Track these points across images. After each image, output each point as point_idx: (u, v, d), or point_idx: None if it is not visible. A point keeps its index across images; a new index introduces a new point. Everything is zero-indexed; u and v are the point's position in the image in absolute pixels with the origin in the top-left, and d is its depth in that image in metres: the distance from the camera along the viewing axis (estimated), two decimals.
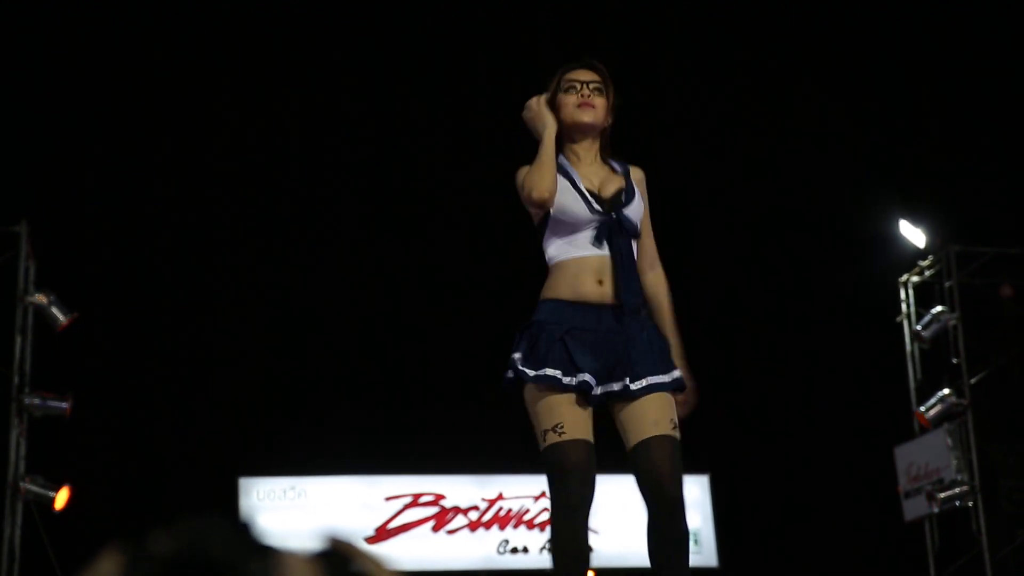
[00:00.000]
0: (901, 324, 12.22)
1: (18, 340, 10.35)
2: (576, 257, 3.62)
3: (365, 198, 14.44)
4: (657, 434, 3.50)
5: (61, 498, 10.19)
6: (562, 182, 3.67)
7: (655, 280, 3.73)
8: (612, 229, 3.58)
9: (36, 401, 10.26)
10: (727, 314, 13.88)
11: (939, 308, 11.51)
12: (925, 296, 12.02)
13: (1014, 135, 13.08)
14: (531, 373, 3.51)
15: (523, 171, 3.65)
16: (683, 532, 3.51)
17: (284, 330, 14.86)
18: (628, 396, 3.49)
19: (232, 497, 14.20)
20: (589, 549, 3.57)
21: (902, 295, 12.22)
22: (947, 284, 11.58)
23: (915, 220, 12.12)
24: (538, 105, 3.74)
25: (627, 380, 3.49)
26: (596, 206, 3.65)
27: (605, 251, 3.58)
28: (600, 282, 3.58)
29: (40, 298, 10.39)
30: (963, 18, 12.86)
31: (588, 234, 3.61)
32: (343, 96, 14.01)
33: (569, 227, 3.65)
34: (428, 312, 14.86)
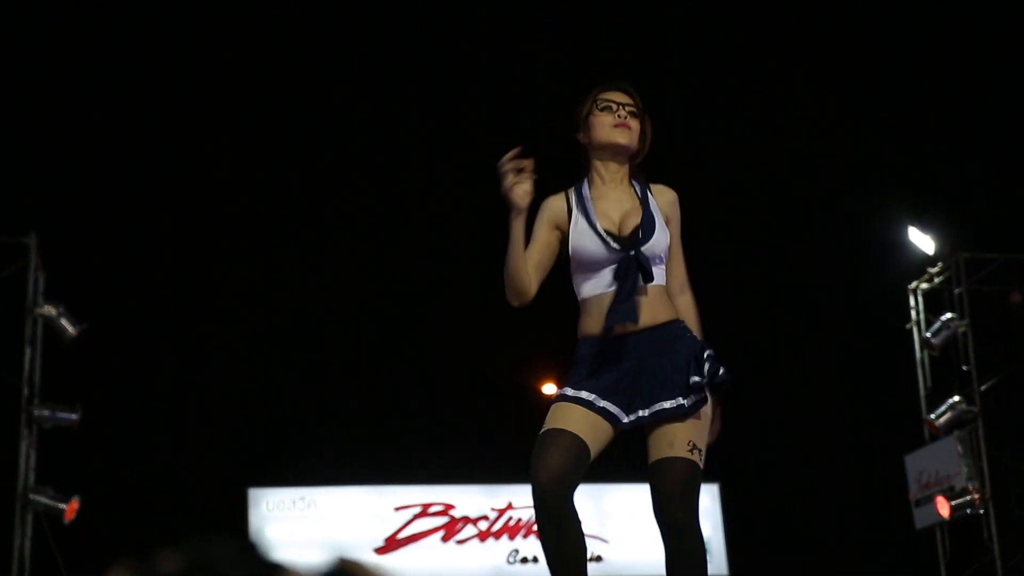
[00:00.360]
0: (911, 331, 12.19)
1: (27, 351, 10.36)
2: (600, 294, 3.60)
3: (375, 212, 14.45)
4: (671, 455, 3.48)
5: (71, 510, 10.19)
6: (581, 222, 3.63)
7: (684, 305, 3.64)
8: (630, 266, 3.55)
9: (46, 413, 10.27)
10: (736, 323, 13.86)
11: (949, 315, 11.49)
12: (935, 303, 12.00)
13: (1022, 142, 13.06)
14: (570, 392, 3.54)
15: (546, 201, 3.68)
16: (693, 554, 3.44)
17: (293, 342, 14.87)
18: (652, 420, 3.48)
19: (242, 508, 14.20)
20: (575, 536, 3.46)
21: (911, 302, 12.19)
22: (956, 291, 11.56)
23: (924, 227, 12.10)
24: (507, 179, 3.54)
25: (649, 407, 3.47)
26: (614, 245, 3.59)
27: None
28: None
29: (49, 309, 10.40)
30: (973, 26, 12.85)
31: (609, 271, 3.60)
32: (350, 107, 14.02)
33: (589, 266, 3.63)
34: (436, 324, 14.86)
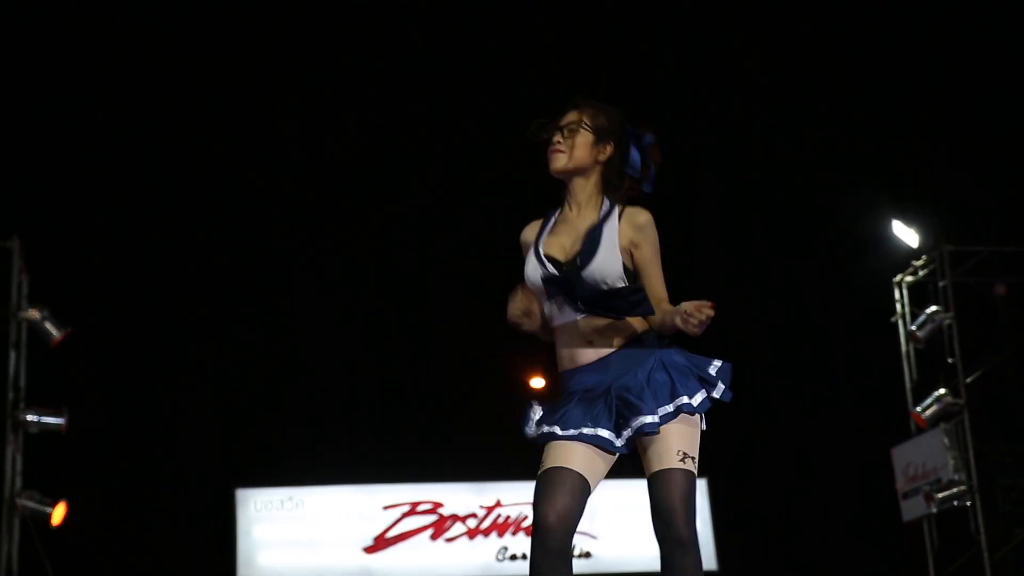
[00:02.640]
0: (896, 324, 12.22)
1: (12, 355, 10.34)
2: (562, 324, 3.59)
3: (364, 211, 14.43)
4: (661, 468, 3.46)
5: (58, 513, 10.16)
6: (532, 249, 3.63)
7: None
8: (563, 288, 3.52)
9: (31, 417, 10.25)
10: (721, 316, 13.87)
11: (934, 308, 11.52)
12: (919, 296, 12.03)
13: (1006, 135, 13.10)
14: (559, 432, 3.50)
15: (523, 231, 3.69)
16: (694, 568, 3.44)
17: (280, 342, 14.85)
18: (640, 435, 3.48)
19: (230, 508, 14.18)
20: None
21: (896, 295, 12.22)
22: (941, 284, 11.59)
23: (908, 220, 12.13)
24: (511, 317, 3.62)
25: (630, 425, 3.47)
26: (551, 270, 3.56)
27: (582, 313, 3.52)
28: (590, 342, 3.53)
29: (33, 313, 10.37)
30: (955, 21, 12.88)
31: (559, 299, 3.59)
32: (339, 108, 14.00)
33: (539, 294, 3.60)
34: (424, 323, 14.85)
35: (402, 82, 13.87)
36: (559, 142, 3.67)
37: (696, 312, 3.42)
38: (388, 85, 13.87)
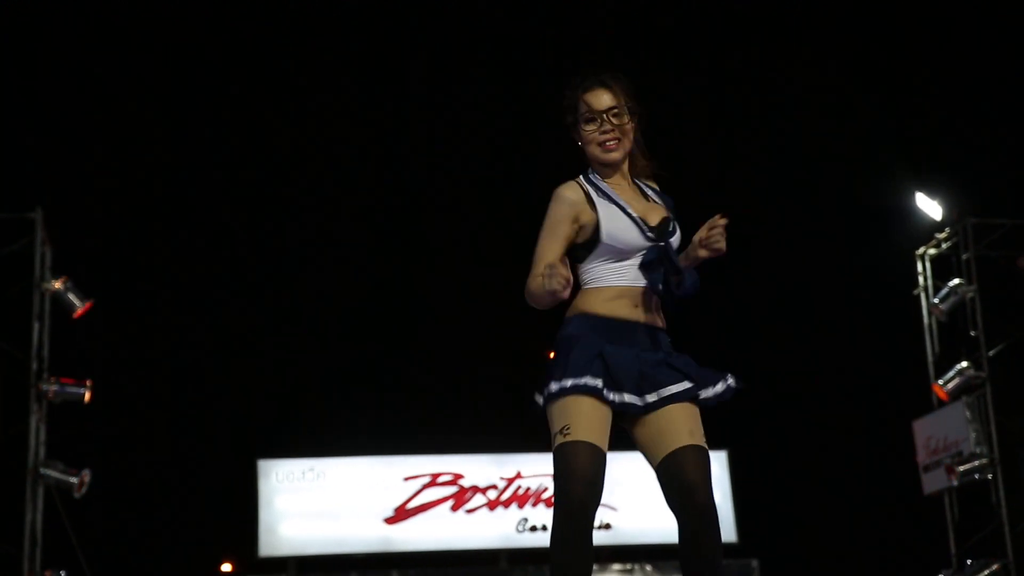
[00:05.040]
0: (918, 297, 12.17)
1: (36, 327, 10.37)
2: (619, 285, 3.58)
3: (382, 184, 14.43)
4: (692, 443, 3.46)
5: (81, 483, 10.22)
6: (610, 208, 3.59)
7: None
8: (662, 257, 3.53)
9: (55, 387, 10.29)
10: (744, 290, 13.85)
11: (956, 281, 11.46)
12: (942, 269, 11.96)
13: None
14: (569, 383, 3.48)
15: (557, 199, 3.62)
16: (718, 544, 3.45)
17: (302, 313, 14.89)
18: (658, 406, 3.46)
19: (252, 479, 14.25)
20: (590, 556, 3.46)
21: (919, 268, 12.16)
22: (964, 256, 11.53)
23: (931, 193, 12.06)
24: (554, 284, 3.44)
25: (661, 390, 3.47)
26: (649, 233, 3.59)
27: (642, 282, 3.56)
28: (636, 306, 3.56)
29: (57, 284, 10.41)
30: None
31: (635, 262, 3.57)
32: (349, 95, 13.99)
33: (619, 254, 3.59)
34: (444, 294, 14.87)
35: (411, 55, 13.86)
36: (612, 131, 3.66)
37: (713, 234, 3.49)
38: (399, 61, 13.85)
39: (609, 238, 3.62)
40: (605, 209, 3.63)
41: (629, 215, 3.63)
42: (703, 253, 3.52)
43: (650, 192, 3.76)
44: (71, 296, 10.45)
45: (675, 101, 12.95)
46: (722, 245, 3.51)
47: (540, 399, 3.60)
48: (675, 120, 12.33)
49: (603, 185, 3.70)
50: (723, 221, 3.51)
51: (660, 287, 3.59)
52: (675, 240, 3.66)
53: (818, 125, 13.59)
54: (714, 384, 3.62)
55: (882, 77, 13.83)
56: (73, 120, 13.14)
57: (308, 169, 14.51)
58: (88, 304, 10.51)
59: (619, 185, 3.72)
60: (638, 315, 3.60)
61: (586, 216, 3.64)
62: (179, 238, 14.45)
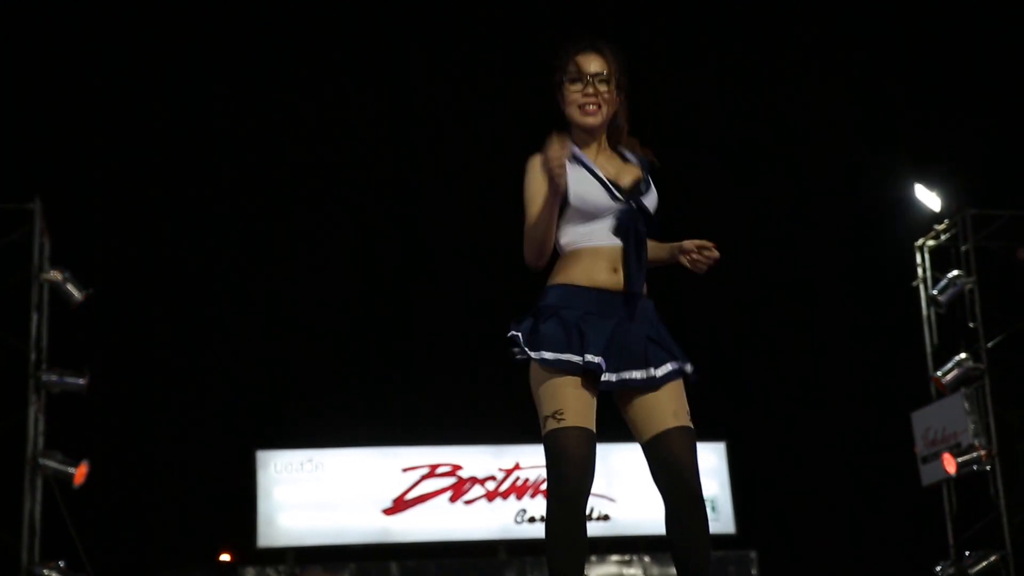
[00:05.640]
0: (917, 288, 12.17)
1: (34, 317, 10.36)
2: (593, 246, 3.58)
3: (378, 179, 14.43)
4: (678, 425, 3.47)
5: (80, 474, 10.22)
6: (579, 171, 3.58)
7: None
8: (632, 218, 3.55)
9: (53, 378, 10.28)
10: (743, 281, 13.85)
11: (955, 272, 11.45)
12: (941, 260, 11.96)
13: None
14: (549, 356, 3.46)
15: (534, 164, 3.56)
16: (704, 524, 3.46)
17: (301, 304, 14.89)
18: (648, 386, 3.46)
19: (250, 470, 14.26)
20: (585, 542, 3.47)
21: (918, 259, 12.16)
22: (963, 248, 11.52)
23: (930, 184, 12.05)
24: (553, 159, 3.44)
25: (649, 369, 3.46)
26: (617, 195, 3.58)
27: (619, 241, 3.58)
28: (615, 270, 3.55)
29: (55, 275, 10.39)
30: None
31: (606, 223, 3.56)
32: (345, 93, 13.98)
33: (588, 216, 3.59)
34: (442, 285, 14.86)
35: (405, 53, 13.84)
36: (593, 96, 3.65)
37: (700, 256, 3.56)
38: (393, 60, 13.84)
39: (576, 199, 3.61)
40: (574, 172, 3.61)
41: (597, 176, 3.62)
42: (682, 260, 3.59)
43: (629, 156, 3.74)
44: (70, 287, 10.44)
45: (674, 92, 12.94)
46: (702, 270, 3.56)
47: (519, 352, 3.58)
48: (673, 112, 12.33)
49: (575, 150, 3.68)
50: (716, 255, 3.56)
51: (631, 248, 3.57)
52: (650, 200, 3.65)
53: (817, 117, 13.58)
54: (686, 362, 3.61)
55: (880, 68, 13.83)
56: (72, 110, 13.13)
57: (308, 161, 14.50)
58: (86, 295, 10.50)
59: (592, 150, 3.71)
60: (617, 281, 3.59)
61: None
62: (178, 229, 14.45)
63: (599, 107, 3.67)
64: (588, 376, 3.50)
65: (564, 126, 3.71)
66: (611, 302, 3.57)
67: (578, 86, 3.67)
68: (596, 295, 3.57)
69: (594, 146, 3.72)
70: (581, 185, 3.61)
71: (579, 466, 3.44)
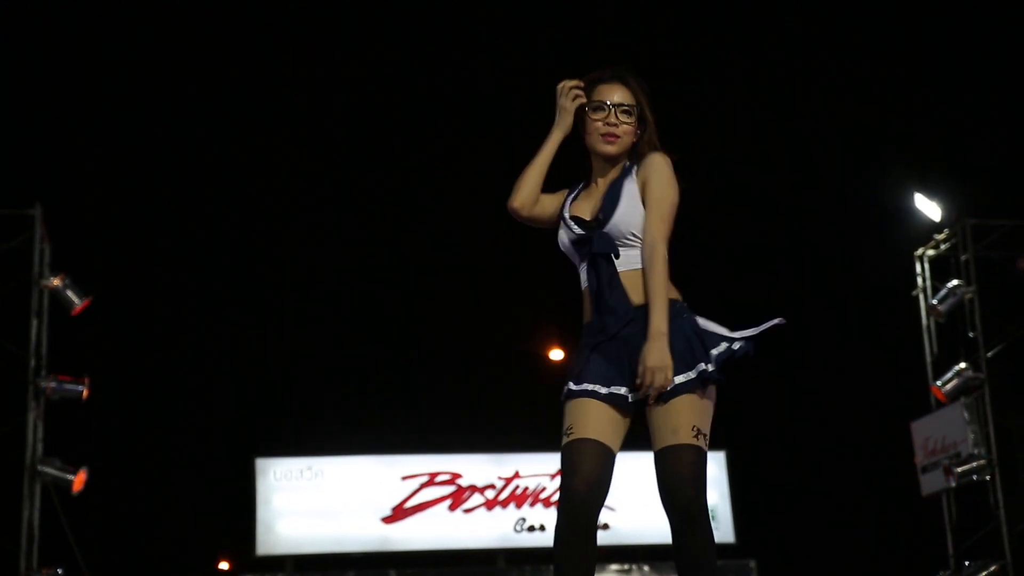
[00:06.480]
0: (917, 298, 12.17)
1: (34, 323, 10.36)
2: (586, 285, 3.62)
3: (379, 184, 14.43)
4: (675, 443, 3.44)
5: (79, 480, 10.22)
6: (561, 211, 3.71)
7: (646, 257, 3.56)
8: (593, 246, 3.55)
9: (53, 384, 10.28)
10: (742, 289, 13.85)
11: (955, 282, 11.46)
12: (941, 270, 11.96)
13: None
14: (574, 388, 3.52)
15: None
16: (702, 542, 3.43)
17: (301, 313, 14.89)
18: (651, 401, 3.47)
19: (249, 477, 14.26)
20: (592, 555, 3.45)
21: (918, 269, 12.16)
22: (963, 257, 11.53)
23: (930, 194, 12.06)
24: (563, 97, 3.63)
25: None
26: (576, 229, 3.62)
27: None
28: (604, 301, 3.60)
29: (55, 281, 10.40)
30: None
31: (585, 261, 3.63)
32: (349, 92, 13.99)
33: (570, 256, 3.66)
34: (442, 293, 14.86)
35: (411, 58, 13.86)
36: (614, 126, 3.67)
37: (646, 388, 3.46)
38: (399, 63, 13.86)
39: (559, 243, 3.72)
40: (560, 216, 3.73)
41: (563, 217, 3.69)
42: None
43: (631, 171, 3.70)
44: (70, 293, 10.44)
45: (671, 101, 12.94)
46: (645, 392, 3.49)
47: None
48: (671, 121, 12.32)
49: (577, 188, 3.77)
50: (655, 395, 3.47)
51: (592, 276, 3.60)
52: (616, 221, 3.60)
53: (817, 125, 13.59)
54: (716, 345, 3.60)
55: (881, 77, 13.84)
56: (72, 116, 13.14)
57: (308, 166, 14.51)
58: (87, 301, 10.50)
59: (606, 175, 3.72)
60: (624, 303, 3.60)
61: (556, 219, 3.78)
62: (178, 236, 14.45)
63: (618, 137, 3.68)
64: (595, 396, 3.52)
65: (583, 153, 3.74)
66: (612, 327, 3.59)
67: (600, 114, 3.69)
68: (597, 329, 3.60)
69: (609, 173, 3.74)
70: (560, 229, 3.69)
71: (583, 477, 3.44)
